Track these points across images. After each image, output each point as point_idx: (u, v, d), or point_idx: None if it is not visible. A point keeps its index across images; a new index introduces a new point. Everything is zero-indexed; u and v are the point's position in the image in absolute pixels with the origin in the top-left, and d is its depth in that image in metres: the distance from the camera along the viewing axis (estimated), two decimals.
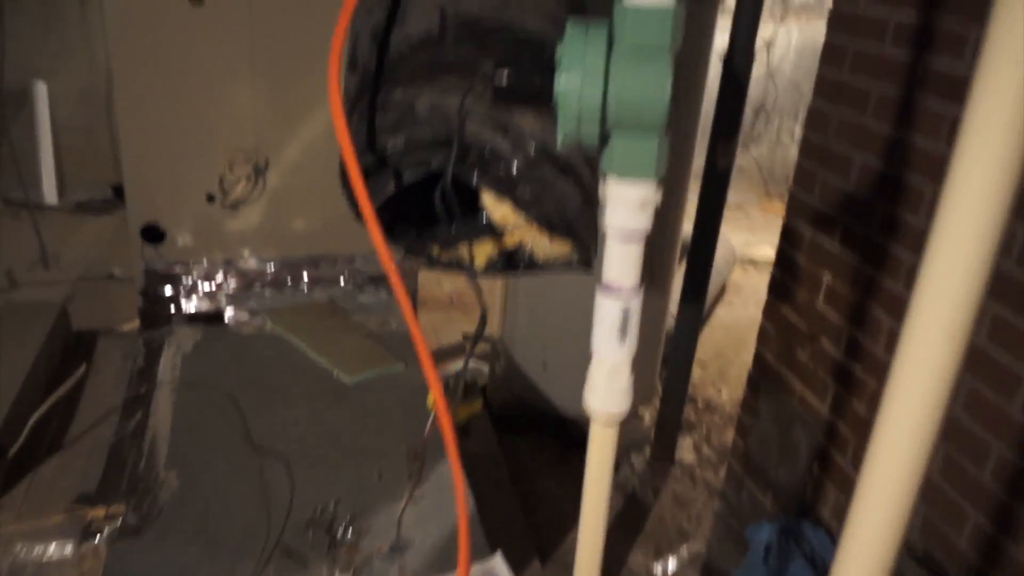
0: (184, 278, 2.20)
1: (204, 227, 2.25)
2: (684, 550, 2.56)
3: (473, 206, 0.90)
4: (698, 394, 3.55)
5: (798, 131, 5.99)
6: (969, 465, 1.72)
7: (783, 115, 5.93)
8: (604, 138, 0.57)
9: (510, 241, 0.86)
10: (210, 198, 2.21)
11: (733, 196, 2.68)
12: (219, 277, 2.23)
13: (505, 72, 0.58)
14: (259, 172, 2.10)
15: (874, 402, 2.03)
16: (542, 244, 0.84)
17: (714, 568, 2.50)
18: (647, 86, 0.56)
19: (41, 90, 4.47)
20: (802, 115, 5.97)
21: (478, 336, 0.94)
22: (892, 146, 1.93)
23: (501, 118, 0.76)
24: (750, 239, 5.56)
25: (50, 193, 4.51)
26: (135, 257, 2.16)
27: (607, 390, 0.60)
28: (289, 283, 2.19)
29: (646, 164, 0.57)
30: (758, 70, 5.81)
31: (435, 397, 0.65)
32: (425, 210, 0.94)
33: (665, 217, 2.81)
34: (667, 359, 2.96)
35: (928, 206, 1.81)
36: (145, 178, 2.15)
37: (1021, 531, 1.60)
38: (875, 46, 1.97)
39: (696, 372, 3.51)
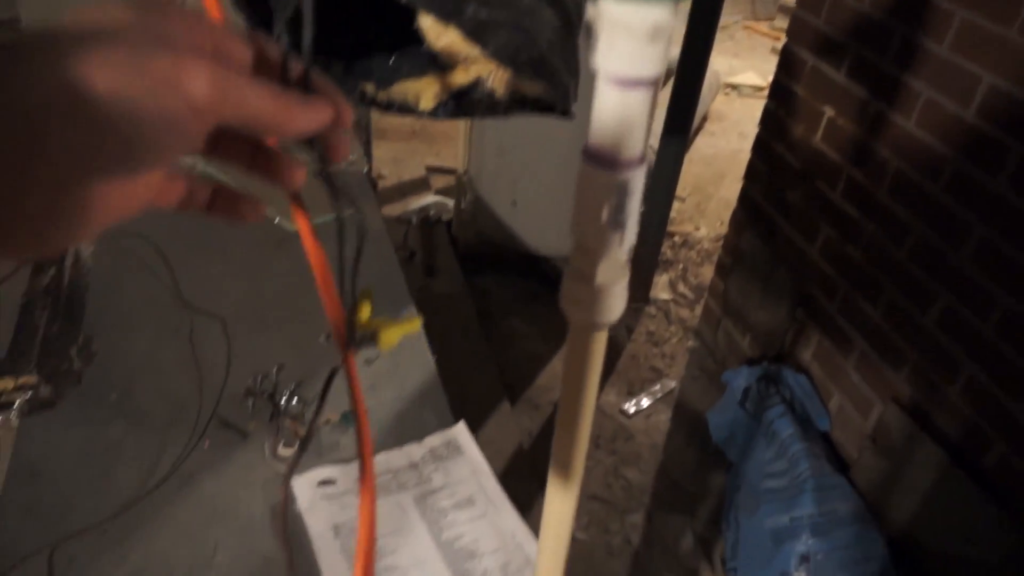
0: None
1: None
2: (657, 388, 2.50)
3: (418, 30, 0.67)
4: (675, 229, 3.41)
5: None
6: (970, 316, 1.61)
7: None
8: None
9: (463, 78, 0.62)
10: None
11: None
12: None
13: None
14: None
15: (871, 247, 1.89)
16: (505, 81, 0.60)
17: (687, 407, 2.45)
18: None
19: None
20: None
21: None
22: None
23: None
24: (734, 63, 5.26)
25: None
26: None
27: (590, 296, 0.42)
28: None
29: None
30: None
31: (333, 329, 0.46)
32: (355, 37, 0.71)
33: None
34: (645, 194, 2.79)
35: (955, 33, 1.58)
36: None
37: (1017, 384, 1.51)
38: None
39: (673, 206, 3.36)
